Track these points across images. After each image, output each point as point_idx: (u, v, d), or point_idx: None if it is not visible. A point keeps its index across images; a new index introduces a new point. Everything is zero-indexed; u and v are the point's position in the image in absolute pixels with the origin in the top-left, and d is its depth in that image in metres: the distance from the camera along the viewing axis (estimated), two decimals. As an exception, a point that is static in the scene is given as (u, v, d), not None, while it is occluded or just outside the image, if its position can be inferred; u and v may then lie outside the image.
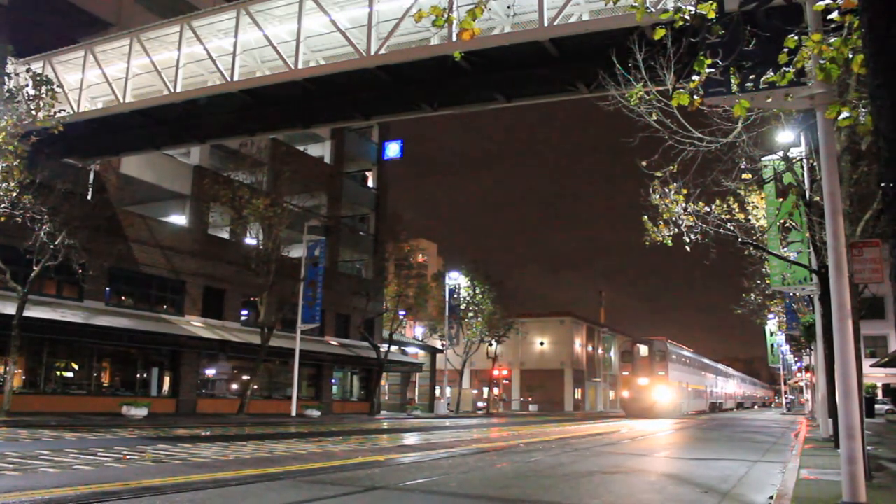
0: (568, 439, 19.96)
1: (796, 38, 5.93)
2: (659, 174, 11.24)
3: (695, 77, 6.53)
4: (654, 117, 10.10)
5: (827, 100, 6.51)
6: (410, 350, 47.16)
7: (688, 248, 13.18)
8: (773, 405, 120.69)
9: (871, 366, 43.33)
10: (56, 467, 9.51)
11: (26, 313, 21.16)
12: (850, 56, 5.56)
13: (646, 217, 13.10)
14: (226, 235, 33.61)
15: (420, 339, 51.09)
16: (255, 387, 30.51)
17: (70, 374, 26.17)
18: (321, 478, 9.41)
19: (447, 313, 44.29)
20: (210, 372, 31.84)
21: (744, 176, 12.54)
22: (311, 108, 20.13)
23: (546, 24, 14.89)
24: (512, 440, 19.06)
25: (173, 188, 30.93)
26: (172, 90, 19.86)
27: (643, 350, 47.33)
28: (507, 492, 8.75)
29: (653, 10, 7.04)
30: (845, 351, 6.62)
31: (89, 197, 26.04)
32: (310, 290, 32.06)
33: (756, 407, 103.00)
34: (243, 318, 33.41)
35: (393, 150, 43.24)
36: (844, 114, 5.94)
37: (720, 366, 74.27)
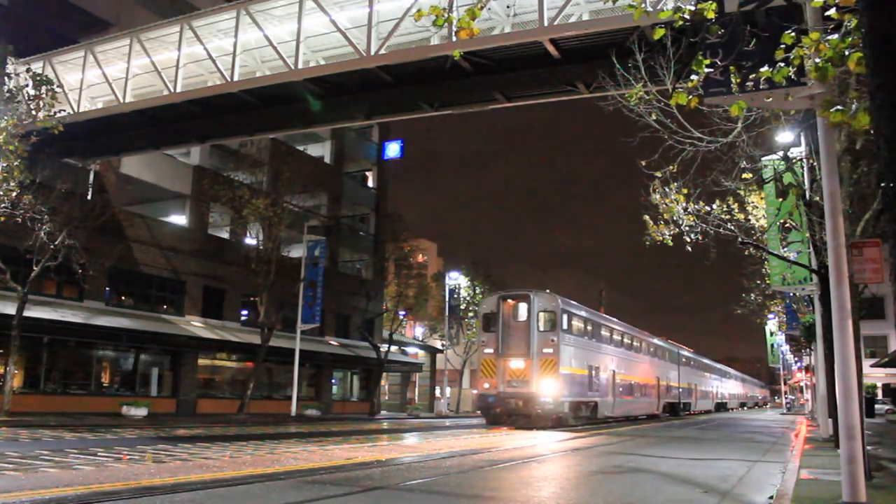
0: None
1: (793, 34, 5.93)
2: (659, 174, 11.26)
3: (694, 77, 6.53)
4: (654, 117, 10.11)
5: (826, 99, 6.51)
6: (410, 350, 47.18)
7: (688, 248, 13.21)
8: (768, 405, 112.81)
9: (871, 366, 43.39)
10: (56, 467, 9.51)
11: (26, 313, 21.16)
12: (847, 54, 5.56)
13: (646, 217, 13.14)
14: (226, 235, 33.62)
15: (420, 339, 51.13)
16: (255, 387, 30.48)
17: (70, 374, 26.16)
18: (321, 478, 9.41)
19: (447, 313, 44.31)
20: (210, 372, 31.84)
21: (744, 176, 12.55)
22: (311, 109, 20.13)
23: (546, 25, 14.90)
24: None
25: (173, 188, 30.94)
26: (172, 90, 19.86)
27: (520, 312, 26.73)
28: (507, 492, 8.75)
29: (651, 10, 7.06)
30: (845, 351, 6.61)
31: (89, 197, 26.04)
32: (310, 290, 32.06)
33: (746, 408, 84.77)
34: (243, 318, 33.40)
35: (393, 150, 43.26)
36: (836, 108, 5.93)
37: (686, 352, 51.15)
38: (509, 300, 27.27)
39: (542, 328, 26.12)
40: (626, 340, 35.50)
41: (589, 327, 29.73)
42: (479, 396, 27.52)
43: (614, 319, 35.46)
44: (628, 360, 35.04)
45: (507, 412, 25.75)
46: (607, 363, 31.26)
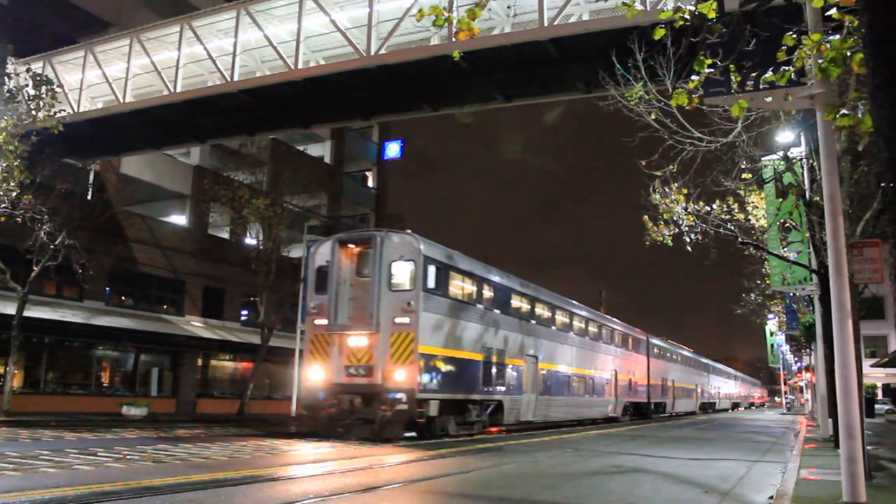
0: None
1: (794, 35, 5.94)
2: (659, 174, 11.28)
3: (695, 77, 6.54)
4: (654, 117, 10.12)
5: (827, 100, 6.52)
6: (410, 350, 47.05)
7: (688, 248, 13.22)
8: (766, 405, 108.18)
9: (871, 366, 43.43)
10: (56, 467, 9.51)
11: (26, 313, 21.17)
12: (849, 54, 5.57)
13: (646, 217, 13.16)
14: (226, 235, 33.64)
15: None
16: (255, 387, 30.49)
17: (70, 374, 26.18)
18: (321, 478, 9.40)
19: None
20: (210, 372, 31.84)
21: (744, 176, 12.57)
22: (311, 108, 20.13)
23: (546, 24, 14.92)
24: (511, 439, 19.03)
25: (173, 188, 30.98)
26: (172, 90, 19.87)
27: (367, 264, 17.26)
28: (507, 491, 8.74)
29: (647, 9, 7.07)
30: (845, 351, 6.61)
31: (89, 197, 26.06)
32: (310, 290, 32.02)
33: (739, 409, 75.26)
34: (243, 318, 33.43)
35: (393, 150, 43.26)
36: (842, 111, 5.95)
37: (660, 341, 41.51)
38: (350, 245, 17.73)
39: (394, 287, 16.79)
40: (559, 318, 25.42)
41: (485, 292, 19.80)
42: (304, 390, 17.94)
43: (541, 288, 24.75)
44: (563, 344, 25.59)
45: (343, 414, 16.34)
46: (525, 345, 21.94)
